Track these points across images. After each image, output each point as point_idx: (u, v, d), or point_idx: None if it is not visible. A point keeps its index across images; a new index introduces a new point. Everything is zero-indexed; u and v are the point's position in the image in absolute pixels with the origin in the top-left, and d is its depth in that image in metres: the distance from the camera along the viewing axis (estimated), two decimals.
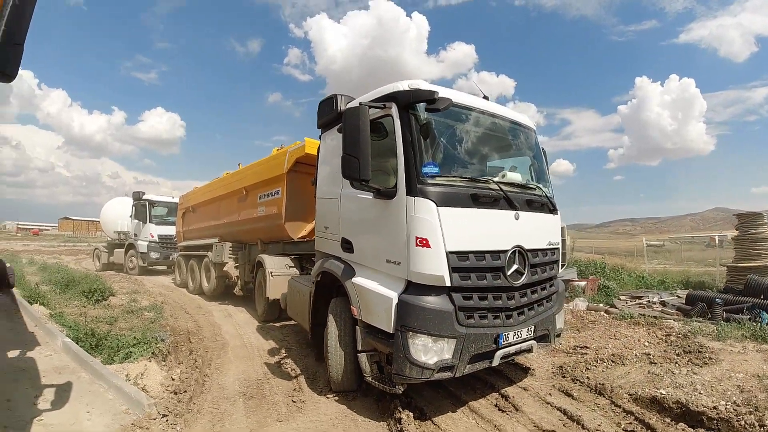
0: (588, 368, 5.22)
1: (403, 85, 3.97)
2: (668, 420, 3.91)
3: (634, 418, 3.96)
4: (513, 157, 5.00)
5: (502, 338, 3.93)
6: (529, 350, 4.27)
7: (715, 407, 3.90)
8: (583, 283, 9.75)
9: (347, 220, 4.56)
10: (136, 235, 14.33)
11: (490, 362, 3.91)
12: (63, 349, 4.62)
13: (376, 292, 3.88)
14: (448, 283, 3.62)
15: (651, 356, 5.43)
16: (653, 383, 4.59)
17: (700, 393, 4.28)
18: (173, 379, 4.56)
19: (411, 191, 3.70)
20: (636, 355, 5.54)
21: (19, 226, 52.29)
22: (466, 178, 3.94)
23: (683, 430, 3.71)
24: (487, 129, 4.48)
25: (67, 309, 6.72)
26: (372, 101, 4.08)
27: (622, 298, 9.31)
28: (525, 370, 5.29)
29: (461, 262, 3.70)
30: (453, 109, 4.04)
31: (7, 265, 7.73)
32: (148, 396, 3.90)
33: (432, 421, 3.97)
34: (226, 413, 4.04)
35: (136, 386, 4.12)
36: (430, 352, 3.59)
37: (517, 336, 4.08)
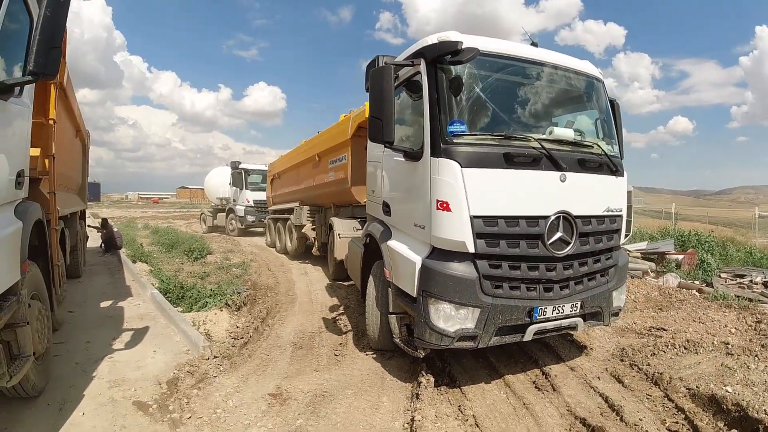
0: (654, 353, 4.60)
1: (431, 39, 3.71)
2: (721, 424, 3.29)
3: (683, 416, 3.42)
4: (572, 112, 4.40)
5: (537, 312, 3.63)
6: (573, 328, 3.88)
7: None
8: (680, 257, 8.38)
9: (386, 182, 4.54)
10: (234, 200, 15.95)
11: (522, 336, 3.66)
12: (150, 299, 5.53)
13: (403, 255, 3.86)
14: (471, 250, 3.43)
15: (730, 346, 4.61)
16: (722, 378, 3.92)
17: None
18: (237, 327, 5.18)
19: (435, 152, 3.52)
20: (714, 343, 4.74)
21: (141, 195, 59.12)
22: (499, 135, 3.59)
23: None
24: (534, 80, 3.98)
25: (168, 266, 7.98)
26: (403, 60, 3.91)
27: (723, 275, 7.87)
28: (581, 349, 4.84)
29: (488, 227, 3.45)
30: (488, 59, 3.68)
31: (115, 230, 9.42)
32: (205, 339, 4.49)
33: (461, 389, 3.91)
34: (273, 359, 4.48)
35: (203, 332, 4.77)
36: (451, 319, 3.49)
37: (557, 311, 3.73)
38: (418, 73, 3.79)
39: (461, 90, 3.61)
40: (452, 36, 3.64)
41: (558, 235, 3.64)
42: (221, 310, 5.47)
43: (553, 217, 3.61)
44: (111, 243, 9.14)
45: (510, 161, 3.49)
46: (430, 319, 3.50)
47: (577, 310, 3.83)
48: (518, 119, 3.88)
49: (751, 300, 6.26)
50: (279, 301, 6.70)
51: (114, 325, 4.86)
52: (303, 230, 9.81)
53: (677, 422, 3.37)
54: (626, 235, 4.25)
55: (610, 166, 4.00)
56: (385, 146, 3.71)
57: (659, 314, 6.03)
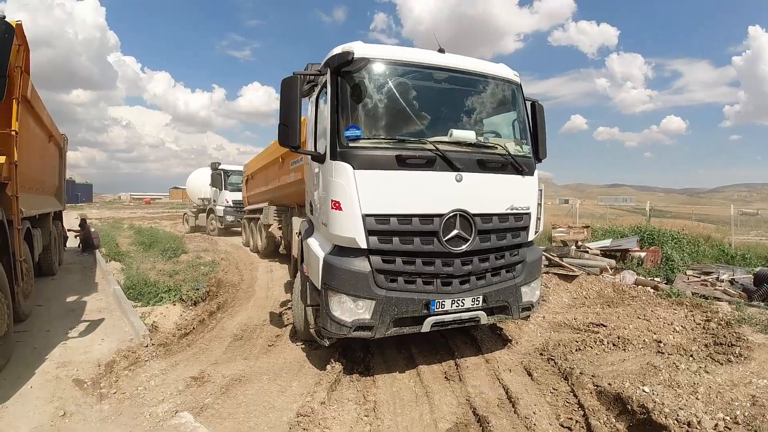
0: (580, 349, 4.70)
1: (336, 50, 3.96)
2: (621, 426, 3.28)
3: (582, 413, 3.47)
4: (483, 114, 4.56)
5: (435, 305, 3.84)
6: (476, 321, 4.07)
7: (689, 423, 3.09)
8: (642, 254, 8.31)
9: (309, 184, 4.83)
10: (214, 201, 16.45)
11: (420, 328, 3.87)
12: (112, 294, 5.98)
13: (313, 251, 4.13)
14: (362, 246, 3.67)
15: (662, 344, 4.62)
16: (642, 377, 3.89)
17: (695, 399, 3.48)
18: (186, 320, 5.56)
19: (333, 155, 3.78)
20: (646, 341, 4.78)
21: (133, 196, 59.73)
22: (393, 139, 3.82)
23: None
24: (438, 84, 4.18)
25: (141, 265, 8.48)
26: (314, 70, 4.17)
27: (690, 273, 7.73)
28: (505, 342, 5.00)
29: (380, 225, 3.68)
30: (385, 67, 3.91)
31: (92, 230, 10.02)
32: (148, 329, 4.88)
33: (373, 377, 4.15)
34: (209, 348, 4.83)
35: (150, 323, 5.18)
36: (348, 310, 3.73)
37: (457, 304, 3.92)
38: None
39: (358, 97, 3.86)
40: (354, 46, 3.89)
41: (455, 232, 3.83)
42: (174, 305, 5.87)
43: (449, 215, 3.80)
44: (88, 243, 9.76)
45: (402, 163, 3.70)
46: (330, 310, 3.76)
47: (479, 304, 4.01)
48: (420, 122, 4.09)
49: (706, 298, 6.22)
50: (237, 296, 7.07)
51: (74, 317, 5.32)
52: (270, 229, 10.14)
53: (572, 418, 3.43)
54: (536, 232, 4.38)
55: (515, 166, 4.15)
56: (290, 150, 3.97)
57: (605, 311, 6.08)
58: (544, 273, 7.25)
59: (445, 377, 4.18)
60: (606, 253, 8.31)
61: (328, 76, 3.94)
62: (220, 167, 15.84)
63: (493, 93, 4.49)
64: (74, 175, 51.34)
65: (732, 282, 7.10)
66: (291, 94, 3.81)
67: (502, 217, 4.09)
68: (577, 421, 3.39)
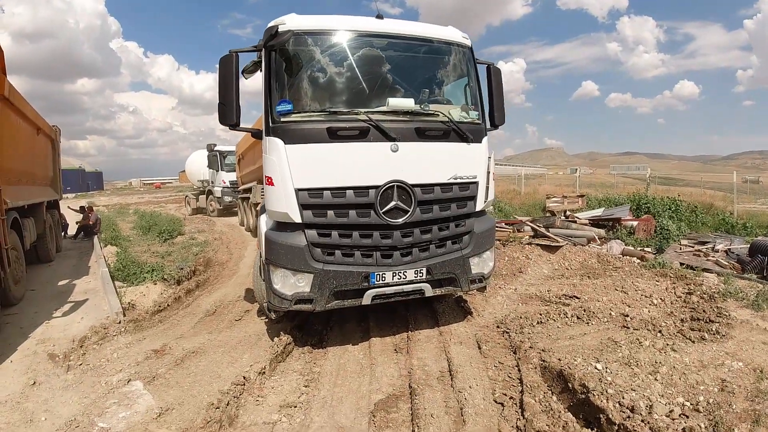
0: (541, 322, 4.61)
1: (272, 25, 3.90)
2: (556, 406, 3.03)
3: (519, 390, 3.33)
4: (429, 80, 4.40)
5: (374, 277, 3.85)
6: (420, 293, 4.04)
7: (633, 407, 2.79)
8: (634, 223, 7.91)
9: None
10: (212, 182, 16.66)
11: (361, 301, 3.89)
12: (101, 277, 6.33)
13: (260, 227, 4.20)
14: (296, 220, 3.70)
15: (629, 318, 4.44)
16: (599, 353, 3.67)
17: (653, 380, 3.20)
18: (164, 297, 5.83)
19: (266, 131, 3.79)
20: (612, 314, 4.60)
21: (143, 181, 59.34)
22: (325, 111, 3.77)
23: (561, 424, 2.81)
24: (376, 52, 4.05)
25: (137, 248, 8.88)
26: (251, 47, 4.12)
27: (684, 243, 7.31)
28: (466, 314, 4.97)
29: (313, 199, 3.69)
30: (314, 38, 3.84)
31: (91, 215, 10.53)
32: (121, 307, 5.17)
33: (325, 350, 4.24)
34: (179, 324, 5.06)
35: (129, 302, 5.47)
36: (288, 284, 3.81)
37: (399, 277, 3.91)
38: None
39: (289, 71, 3.82)
40: (286, 19, 3.82)
41: (392, 203, 3.79)
42: (155, 284, 6.15)
43: (385, 187, 3.75)
44: (88, 229, 10.31)
45: (334, 135, 3.66)
46: (272, 284, 3.85)
47: (423, 276, 3.98)
48: (357, 93, 4.00)
49: (693, 269, 5.90)
50: (221, 274, 7.31)
51: (62, 299, 5.69)
52: (257, 208, 10.27)
53: (507, 394, 3.31)
54: (485, 202, 4.25)
55: (459, 134, 4.02)
56: (229, 128, 3.99)
57: (583, 282, 5.90)
58: (527, 244, 7.08)
59: (395, 350, 4.21)
60: (597, 222, 7.98)
61: (263, 53, 3.90)
62: (215, 149, 16.04)
63: (440, 58, 4.32)
64: (84, 164, 52.48)
65: (727, 252, 6.69)
66: (227, 71, 3.80)
67: (445, 186, 4.00)
68: (511, 398, 3.27)
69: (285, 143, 3.66)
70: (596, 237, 7.29)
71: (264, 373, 3.71)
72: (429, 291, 4.05)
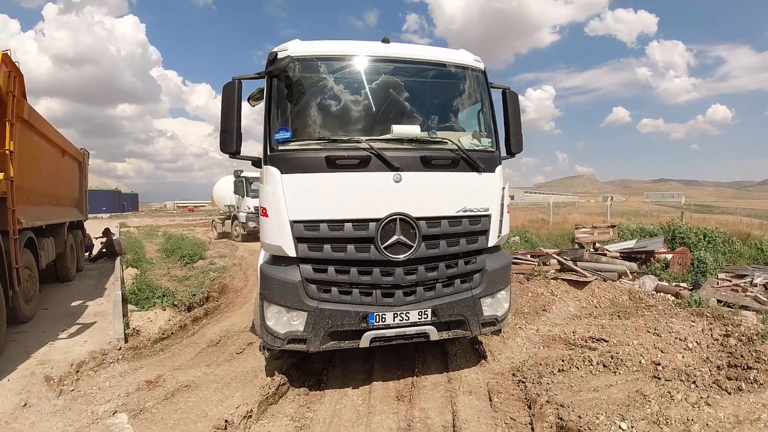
0: (563, 370, 4.14)
1: (273, 51, 3.82)
2: None
3: None
4: (443, 108, 4.17)
5: (373, 318, 3.55)
6: (423, 337, 3.69)
7: None
8: (669, 256, 7.20)
9: None
10: (238, 207, 16.95)
11: (358, 343, 3.59)
12: (113, 300, 6.34)
13: (259, 261, 4.02)
14: (290, 254, 3.50)
15: (660, 367, 3.90)
16: (625, 409, 3.29)
17: None
18: (172, 324, 5.73)
19: (264, 159, 3.65)
20: (642, 362, 4.08)
21: (177, 204, 61.78)
22: (325, 139, 3.60)
23: None
24: (382, 78, 3.86)
25: (158, 271, 8.94)
26: (254, 74, 4.04)
27: (721, 276, 6.57)
28: (481, 358, 4.54)
29: (309, 231, 3.48)
30: (314, 63, 3.73)
31: (114, 237, 10.76)
32: (129, 333, 5.12)
33: (322, 392, 3.96)
34: (180, 353, 4.91)
35: (135, 327, 5.42)
36: (281, 322, 3.59)
37: (401, 318, 3.60)
38: None
39: (289, 98, 3.70)
40: (288, 45, 3.72)
41: (394, 238, 3.52)
42: (164, 310, 6.09)
43: (386, 220, 3.50)
44: (111, 250, 10.57)
45: (333, 164, 3.47)
46: (265, 321, 3.64)
47: (428, 318, 3.64)
48: (360, 120, 3.82)
49: (731, 306, 5.24)
50: (234, 302, 7.18)
51: (71, 320, 5.70)
52: None
53: None
54: (499, 237, 3.89)
55: (469, 162, 3.73)
56: (229, 156, 3.89)
57: (612, 322, 5.34)
58: (553, 279, 6.57)
59: (397, 397, 3.86)
60: (629, 255, 7.33)
61: (265, 80, 3.81)
62: (242, 174, 16.46)
63: (451, 83, 4.10)
64: (121, 185, 54.68)
65: (766, 287, 5.93)
66: (230, 99, 3.70)
67: (453, 220, 3.69)
68: None
69: (281, 172, 3.50)
70: (628, 271, 6.67)
71: (250, 416, 3.44)
72: (434, 335, 3.70)
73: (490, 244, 3.84)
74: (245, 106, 3.87)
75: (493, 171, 3.87)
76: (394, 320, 3.58)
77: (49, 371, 4.22)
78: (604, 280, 6.38)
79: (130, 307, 6.36)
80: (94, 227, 12.42)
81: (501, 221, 3.88)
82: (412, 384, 4.03)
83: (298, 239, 3.48)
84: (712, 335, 4.66)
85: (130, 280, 7.76)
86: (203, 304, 6.76)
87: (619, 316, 5.58)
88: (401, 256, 3.53)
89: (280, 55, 3.58)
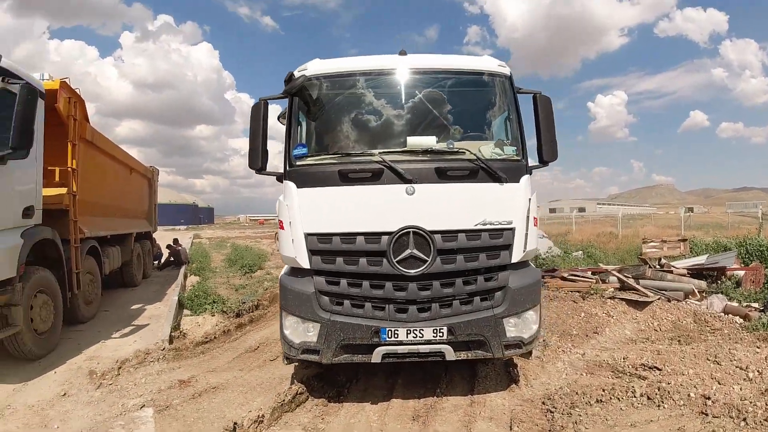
0: (601, 401, 3.69)
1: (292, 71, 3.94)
2: None
3: None
4: (467, 116, 4.00)
5: (385, 333, 3.46)
6: (439, 356, 3.51)
7: None
8: (741, 273, 6.15)
9: None
10: None
11: (369, 358, 3.51)
12: (169, 304, 6.88)
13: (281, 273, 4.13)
14: (304, 266, 3.55)
15: (710, 402, 3.35)
16: None
17: None
18: (217, 328, 6.08)
19: (284, 175, 3.76)
20: (691, 396, 3.52)
21: (249, 217, 64.21)
22: (338, 153, 3.64)
23: None
24: (401, 90, 3.81)
25: (219, 279, 9.51)
26: (279, 94, 4.16)
27: None
28: (512, 382, 4.21)
29: (322, 244, 3.51)
30: (330, 80, 3.78)
31: (180, 247, 11.62)
32: (175, 335, 5.51)
33: (340, 405, 3.92)
34: (218, 357, 5.19)
35: (183, 330, 5.83)
36: (296, 332, 3.65)
37: (414, 335, 3.46)
38: None
39: (307, 115, 3.82)
40: (308, 65, 3.83)
41: (407, 252, 3.42)
42: (213, 315, 6.48)
43: (399, 233, 3.42)
44: (178, 259, 11.48)
45: (345, 178, 3.48)
46: (282, 330, 3.73)
47: (443, 337, 3.47)
48: (378, 134, 3.81)
49: None
50: (277, 311, 7.42)
51: (127, 322, 6.28)
52: None
53: None
54: (524, 252, 3.60)
55: (490, 173, 3.52)
56: (256, 172, 4.04)
57: (671, 348, 4.70)
58: (609, 298, 5.95)
59: (413, 417, 3.69)
60: (699, 272, 6.39)
61: (289, 99, 3.93)
62: None
63: (473, 91, 3.96)
64: (198, 199, 58.99)
65: None
66: (256, 118, 3.85)
67: (472, 234, 3.49)
68: None
69: (297, 187, 3.58)
70: (696, 290, 5.84)
71: (262, 422, 3.49)
72: (451, 354, 3.50)
73: (514, 259, 3.57)
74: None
75: (518, 181, 3.61)
76: (407, 337, 3.45)
77: (95, 366, 4.63)
78: (669, 300, 5.64)
79: (185, 312, 6.85)
80: (169, 238, 13.62)
81: (527, 235, 3.59)
82: (432, 405, 3.84)
83: (312, 251, 3.52)
84: None
85: (190, 288, 8.39)
86: (252, 312, 7.08)
87: (679, 341, 4.90)
88: (414, 271, 3.41)
89: (296, 75, 3.68)
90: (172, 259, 11.82)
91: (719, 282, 6.25)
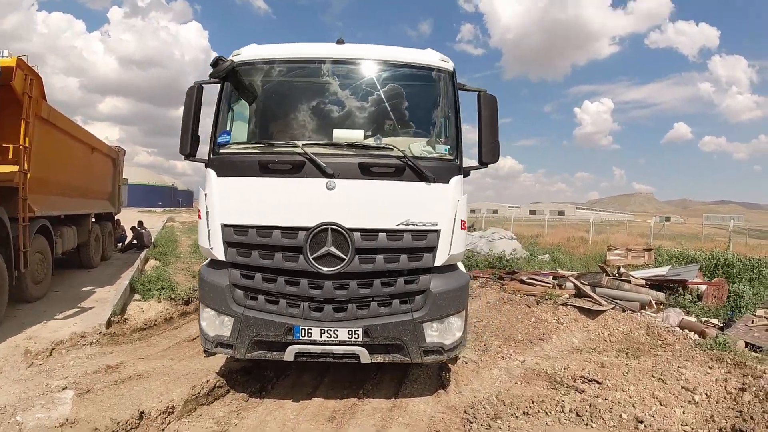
0: (527, 413, 3.60)
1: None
2: None
3: None
4: (401, 111, 3.81)
5: (299, 332, 3.33)
6: (354, 358, 3.39)
7: None
8: (703, 287, 6.02)
9: None
10: None
11: (282, 356, 3.39)
12: (119, 288, 6.76)
13: None
14: (220, 257, 3.44)
15: (643, 426, 3.26)
16: None
17: None
18: (161, 315, 5.98)
19: (207, 163, 3.61)
20: (623, 417, 3.39)
21: None
22: (261, 143, 3.49)
23: None
24: (335, 81, 3.64)
25: (180, 264, 9.33)
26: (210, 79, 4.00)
27: (760, 313, 5.43)
28: (441, 387, 4.10)
29: (238, 236, 3.39)
30: (264, 67, 3.67)
31: (144, 230, 11.48)
32: (110, 319, 5.40)
33: (261, 401, 3.83)
34: (155, 344, 5.09)
35: (121, 316, 5.74)
36: (212, 325, 3.54)
37: (329, 335, 3.34)
38: None
39: (236, 102, 3.68)
40: (243, 50, 3.67)
41: (324, 249, 3.28)
42: (159, 302, 6.36)
43: (317, 229, 3.28)
44: (141, 242, 11.34)
45: (265, 169, 3.34)
46: (200, 322, 3.63)
47: (359, 339, 3.34)
48: (304, 125, 3.68)
49: (760, 350, 4.24)
50: None
51: (74, 304, 6.15)
52: None
53: None
54: (449, 255, 3.45)
55: (417, 171, 3.36)
56: (185, 158, 3.89)
57: (616, 361, 4.58)
58: (563, 304, 5.82)
59: (330, 418, 3.59)
60: (659, 284, 6.25)
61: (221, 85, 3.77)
62: None
63: (412, 85, 3.77)
64: (178, 182, 57.49)
65: None
66: (188, 103, 3.69)
67: (393, 234, 3.34)
68: None
69: (217, 175, 3.44)
70: (653, 302, 5.70)
71: (172, 413, 3.43)
72: (366, 357, 3.37)
73: (438, 263, 3.42)
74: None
75: (447, 182, 3.45)
76: (321, 336, 3.33)
77: (32, 346, 4.55)
78: (623, 311, 5.51)
79: (136, 296, 6.74)
80: (148, 221, 13.38)
81: (452, 238, 3.44)
82: (352, 406, 3.74)
83: (228, 243, 3.40)
84: (726, 387, 3.79)
85: (147, 272, 8.27)
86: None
87: (627, 353, 4.77)
88: (331, 269, 3.27)
89: (221, 60, 3.50)
90: (135, 242, 11.67)
91: (678, 295, 6.11)
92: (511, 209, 55.17)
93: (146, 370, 4.22)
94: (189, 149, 3.65)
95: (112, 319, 5.45)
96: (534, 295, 6.19)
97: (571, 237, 15.91)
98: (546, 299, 6.07)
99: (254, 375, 4.26)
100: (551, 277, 6.74)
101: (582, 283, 6.02)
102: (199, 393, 3.69)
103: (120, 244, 11.54)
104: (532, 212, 63.30)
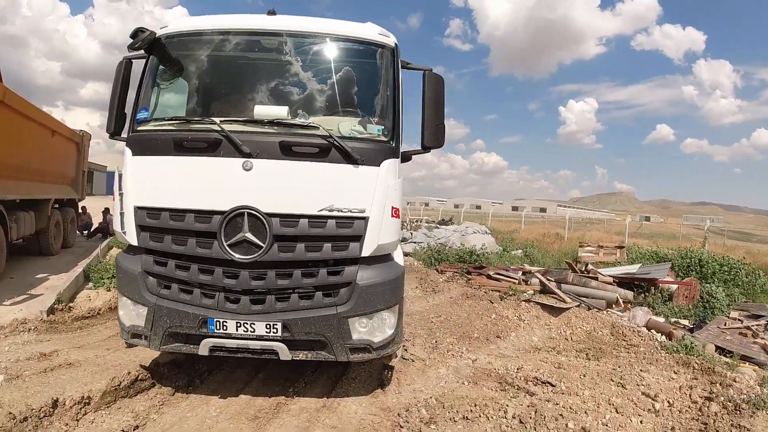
0: (467, 417, 3.37)
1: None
2: None
3: None
4: (337, 87, 3.53)
5: (213, 324, 3.10)
6: (272, 354, 3.16)
7: None
8: (674, 287, 5.77)
9: None
10: None
11: (197, 349, 3.17)
12: (70, 275, 6.54)
13: None
14: (132, 242, 3.23)
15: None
16: None
17: None
18: (107, 303, 5.79)
19: (127, 141, 3.36)
20: (569, 426, 3.15)
21: None
22: (178, 119, 3.25)
23: None
24: (265, 54, 3.40)
25: None
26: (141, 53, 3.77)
27: (733, 315, 5.14)
28: (379, 386, 3.87)
29: (151, 219, 3.16)
30: (186, 39, 3.43)
31: (110, 217, 11.25)
32: (52, 306, 5.24)
33: (187, 396, 3.64)
34: (94, 334, 4.93)
35: (72, 304, 5.57)
36: (128, 314, 3.33)
37: (245, 329, 3.11)
38: None
39: (158, 76, 3.43)
40: (169, 23, 3.44)
41: (240, 235, 3.04)
42: (108, 291, 6.17)
43: (231, 213, 3.03)
44: (106, 230, 11.14)
45: (180, 147, 3.09)
46: (118, 311, 3.43)
47: (277, 333, 3.11)
48: (226, 101, 3.46)
49: (730, 354, 3.97)
50: None
51: (24, 290, 5.99)
52: None
53: None
54: (378, 244, 3.20)
55: (343, 152, 3.09)
56: (109, 137, 3.66)
57: (575, 362, 4.37)
58: (525, 301, 5.57)
59: (253, 416, 3.38)
60: (628, 282, 5.98)
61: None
62: None
63: (347, 60, 3.48)
64: None
65: None
66: (116, 78, 3.46)
67: (315, 220, 3.09)
68: None
69: (132, 154, 3.20)
70: (620, 300, 5.44)
71: (88, 404, 3.26)
72: (285, 354, 3.14)
73: (365, 253, 3.17)
74: None
75: (378, 165, 3.18)
76: (237, 330, 3.10)
77: None
78: (589, 309, 5.25)
79: (89, 285, 6.55)
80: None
81: (382, 226, 3.19)
82: (279, 405, 3.52)
83: (141, 227, 3.17)
84: (691, 396, 3.53)
85: (108, 260, 8.04)
86: None
87: (588, 354, 4.53)
88: (246, 257, 3.03)
89: (142, 31, 3.24)
90: (100, 229, 11.47)
91: (648, 294, 5.84)
92: (494, 205, 55.11)
93: (77, 360, 4.06)
94: (113, 127, 3.42)
95: (55, 306, 5.27)
96: (498, 291, 5.94)
97: (547, 233, 15.63)
98: (510, 295, 5.82)
99: (185, 369, 4.05)
100: (520, 272, 6.49)
101: (548, 279, 5.76)
102: (119, 385, 3.52)
103: (85, 231, 11.31)
104: (515, 209, 63.23)
